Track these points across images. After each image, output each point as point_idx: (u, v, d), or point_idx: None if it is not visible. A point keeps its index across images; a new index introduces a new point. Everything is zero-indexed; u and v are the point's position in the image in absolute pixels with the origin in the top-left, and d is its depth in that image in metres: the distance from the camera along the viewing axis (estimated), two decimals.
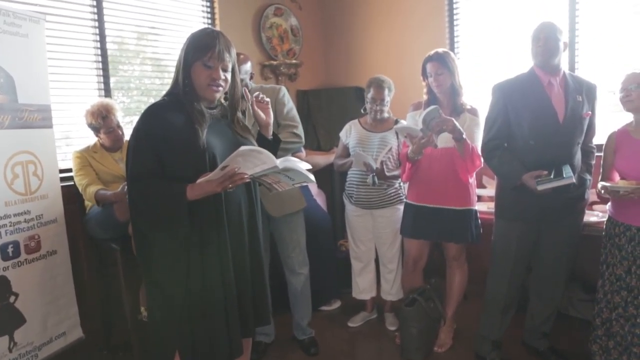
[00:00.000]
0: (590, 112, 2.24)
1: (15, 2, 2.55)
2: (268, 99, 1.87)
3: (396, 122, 2.80)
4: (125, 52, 3.24)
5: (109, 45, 3.02)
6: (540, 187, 2.07)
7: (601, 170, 2.23)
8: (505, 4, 3.34)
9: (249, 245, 1.74)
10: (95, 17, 2.95)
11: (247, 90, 1.87)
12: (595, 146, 2.37)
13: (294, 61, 3.94)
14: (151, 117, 1.61)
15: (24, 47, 2.25)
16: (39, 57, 2.34)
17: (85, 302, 2.63)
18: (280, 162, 1.51)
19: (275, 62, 3.84)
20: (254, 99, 1.83)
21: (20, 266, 2.26)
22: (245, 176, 1.51)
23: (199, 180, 1.52)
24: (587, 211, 2.45)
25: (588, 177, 2.30)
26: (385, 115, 2.81)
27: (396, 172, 2.73)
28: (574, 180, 2.06)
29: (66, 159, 2.74)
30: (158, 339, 1.68)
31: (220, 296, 1.63)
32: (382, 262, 2.95)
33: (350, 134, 2.89)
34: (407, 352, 2.57)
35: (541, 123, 2.17)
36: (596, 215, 2.53)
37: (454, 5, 3.56)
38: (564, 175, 2.05)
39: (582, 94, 2.22)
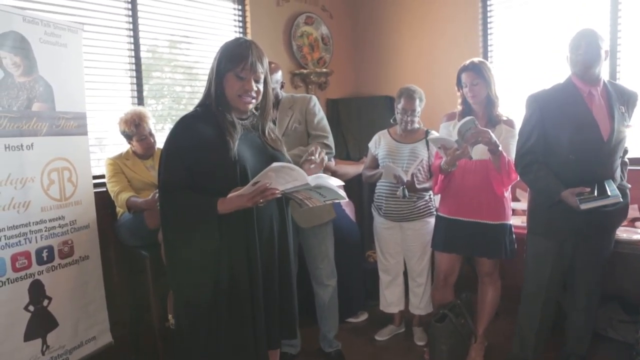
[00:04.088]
0: (631, 124, 2.14)
1: (55, 12, 2.62)
2: (325, 161, 1.81)
3: (427, 133, 2.75)
4: (158, 60, 3.29)
5: (142, 54, 3.08)
6: (584, 206, 1.95)
7: None
8: (542, 10, 3.24)
9: (278, 260, 1.72)
10: (131, 26, 3.01)
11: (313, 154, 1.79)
12: (627, 159, 2.27)
13: (324, 70, 3.93)
14: (183, 128, 1.61)
15: (63, 57, 2.31)
16: (77, 66, 2.40)
17: (115, 307, 2.66)
18: (312, 180, 1.49)
19: (305, 71, 3.84)
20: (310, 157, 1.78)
21: (54, 270, 2.30)
22: (277, 192, 1.49)
23: (230, 195, 1.52)
24: (628, 228, 2.34)
25: (627, 185, 2.19)
26: (416, 126, 2.76)
27: (427, 185, 2.67)
28: (620, 198, 1.95)
29: (99, 166, 2.79)
30: (185, 348, 1.68)
31: (247, 309, 1.62)
32: (411, 276, 2.88)
33: (379, 144, 2.85)
34: None
35: (582, 137, 2.07)
36: (639, 233, 2.41)
37: (488, 13, 3.48)
38: (609, 194, 1.93)
39: (624, 104, 2.13)
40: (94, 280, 2.50)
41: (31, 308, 2.19)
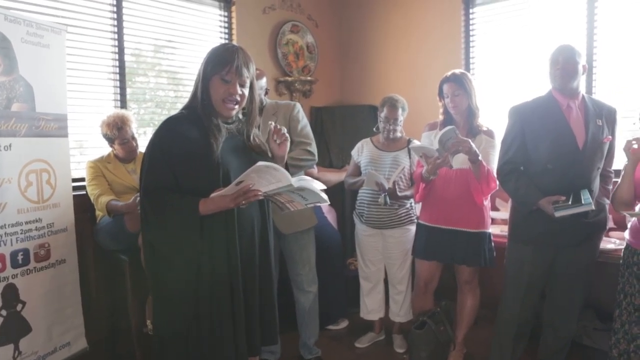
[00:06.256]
0: (610, 137, 2.20)
1: (39, 13, 2.59)
2: (286, 136, 1.79)
3: (409, 141, 2.79)
4: (142, 64, 3.27)
5: (126, 57, 3.05)
6: (557, 214, 2.03)
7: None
8: (522, 26, 3.34)
9: (259, 264, 1.72)
10: (115, 29, 2.99)
11: (273, 127, 1.80)
12: (613, 171, 2.33)
13: (308, 78, 3.95)
14: (167, 130, 1.61)
15: (45, 57, 2.28)
16: (59, 67, 2.37)
17: (91, 312, 2.61)
18: (295, 181, 1.49)
19: (290, 79, 3.86)
20: (274, 130, 1.77)
21: (29, 274, 2.25)
22: (259, 193, 1.50)
23: (212, 195, 1.51)
24: (603, 238, 2.40)
25: (606, 201, 2.25)
26: (398, 134, 2.79)
27: (408, 192, 2.71)
28: (592, 207, 2.02)
29: (79, 168, 2.75)
30: (163, 354, 1.66)
31: (228, 314, 1.61)
32: (392, 283, 2.90)
33: (362, 152, 2.87)
34: None
35: (559, 147, 2.13)
36: (613, 242, 2.47)
37: (470, 27, 3.57)
38: (583, 202, 2.00)
39: (602, 118, 2.19)
40: (70, 285, 2.45)
41: (3, 312, 2.14)
